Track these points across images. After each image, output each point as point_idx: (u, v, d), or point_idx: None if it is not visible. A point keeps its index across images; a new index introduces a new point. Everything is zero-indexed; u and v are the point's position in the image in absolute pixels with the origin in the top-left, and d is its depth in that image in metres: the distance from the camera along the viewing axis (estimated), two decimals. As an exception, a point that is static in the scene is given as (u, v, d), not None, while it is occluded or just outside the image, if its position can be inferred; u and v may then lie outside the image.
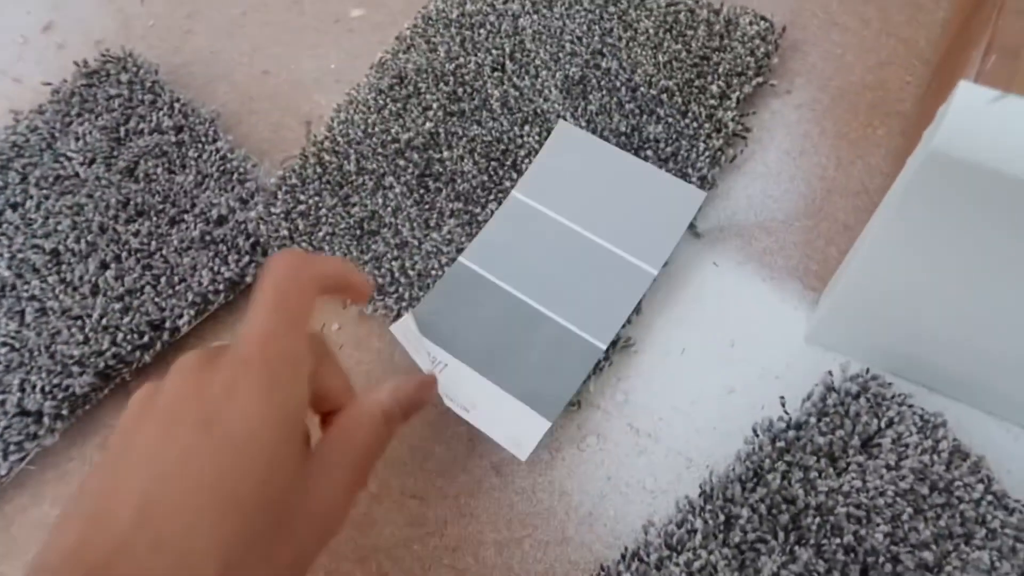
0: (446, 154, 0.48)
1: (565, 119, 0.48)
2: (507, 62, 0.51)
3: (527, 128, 0.48)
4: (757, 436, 0.38)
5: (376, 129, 0.49)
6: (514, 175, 0.47)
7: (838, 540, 0.34)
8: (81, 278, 0.45)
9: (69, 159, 0.50)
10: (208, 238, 0.46)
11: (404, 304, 0.43)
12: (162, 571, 0.23)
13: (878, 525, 0.35)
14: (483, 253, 0.44)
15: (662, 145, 0.46)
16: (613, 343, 0.41)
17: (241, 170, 0.49)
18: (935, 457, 0.36)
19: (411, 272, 0.44)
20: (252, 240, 0.46)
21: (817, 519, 0.35)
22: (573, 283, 0.43)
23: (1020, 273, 0.31)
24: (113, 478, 0.25)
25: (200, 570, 0.23)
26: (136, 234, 0.46)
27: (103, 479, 0.26)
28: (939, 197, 0.30)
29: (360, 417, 0.30)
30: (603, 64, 0.50)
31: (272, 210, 0.46)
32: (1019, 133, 0.29)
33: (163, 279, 0.44)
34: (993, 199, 0.29)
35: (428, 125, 0.49)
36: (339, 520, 0.28)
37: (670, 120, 0.47)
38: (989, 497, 0.35)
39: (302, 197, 0.47)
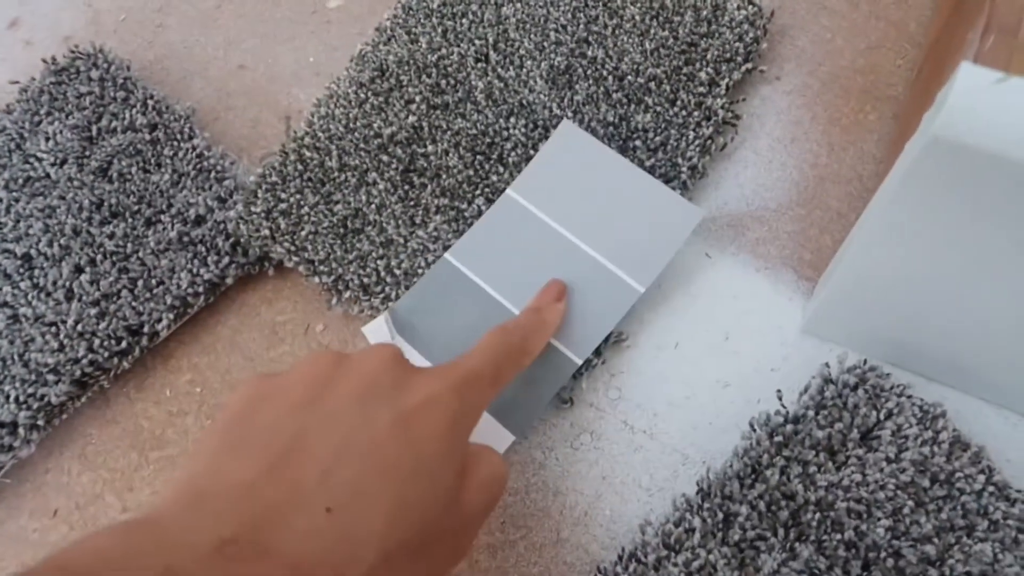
0: (430, 148, 0.46)
1: (567, 116, 0.46)
2: (491, 52, 0.50)
3: (513, 120, 0.47)
4: (754, 431, 0.37)
5: (358, 124, 0.48)
6: (500, 169, 0.45)
7: (839, 536, 0.34)
8: (55, 283, 0.43)
9: (39, 160, 0.48)
10: (186, 239, 0.44)
11: (391, 304, 0.42)
12: (329, 540, 0.23)
13: (879, 519, 0.34)
14: (470, 252, 0.43)
15: (651, 135, 0.45)
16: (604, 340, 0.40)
17: (219, 168, 0.47)
18: (935, 448, 0.35)
19: (397, 271, 0.43)
20: (232, 240, 0.45)
21: (817, 515, 0.34)
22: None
23: (1021, 258, 0.31)
24: (300, 425, 0.26)
25: (361, 552, 0.23)
26: (111, 236, 0.45)
27: (285, 419, 0.26)
28: (939, 183, 0.30)
29: (501, 478, 0.30)
30: (589, 53, 0.49)
31: (252, 209, 0.45)
32: (1023, 116, 0.28)
33: (140, 282, 0.43)
34: (996, 184, 0.28)
35: (411, 119, 0.47)
36: (465, 554, 0.29)
37: (659, 109, 0.46)
38: (991, 488, 0.34)
39: (283, 195, 0.46)
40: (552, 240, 0.42)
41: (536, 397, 0.39)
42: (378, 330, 0.41)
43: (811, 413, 0.37)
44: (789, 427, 0.36)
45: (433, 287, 0.42)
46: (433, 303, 0.41)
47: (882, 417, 0.36)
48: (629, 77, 0.47)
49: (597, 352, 0.40)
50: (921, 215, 0.31)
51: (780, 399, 0.38)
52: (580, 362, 0.39)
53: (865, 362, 0.38)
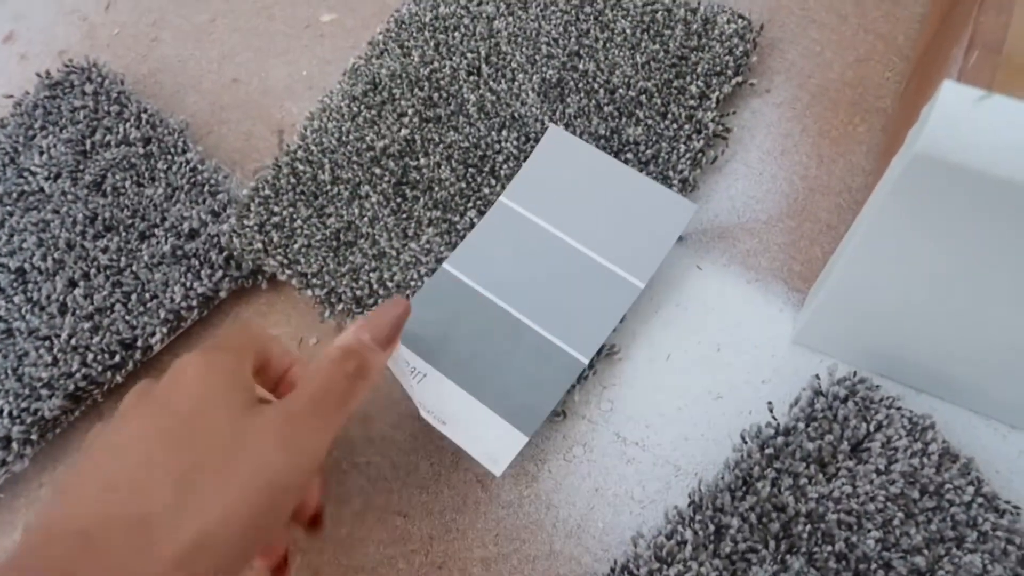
0: (423, 161, 0.47)
1: (555, 123, 0.47)
2: (483, 66, 0.50)
3: (504, 133, 0.47)
4: (745, 443, 0.37)
5: (350, 137, 0.48)
6: (492, 181, 0.46)
7: (829, 547, 0.34)
8: (48, 297, 0.43)
9: (33, 174, 0.48)
10: (180, 253, 0.44)
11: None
12: (116, 506, 0.26)
13: (869, 531, 0.34)
14: (467, 260, 0.43)
15: (642, 147, 0.46)
16: (596, 352, 0.41)
17: (212, 182, 0.47)
18: (925, 460, 0.35)
19: (389, 283, 0.43)
20: (225, 254, 0.45)
21: (808, 527, 0.34)
22: (558, 294, 0.42)
23: (1007, 272, 0.31)
24: (75, 475, 0.28)
25: (154, 494, 0.26)
26: (105, 250, 0.45)
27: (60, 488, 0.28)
28: (925, 199, 0.30)
29: (317, 363, 0.32)
30: (580, 66, 0.49)
31: (245, 222, 0.45)
32: (1005, 133, 0.28)
33: (134, 296, 0.43)
34: (980, 200, 0.29)
35: (404, 132, 0.48)
36: (299, 457, 0.29)
37: (650, 122, 0.46)
38: (980, 499, 0.34)
39: (276, 208, 0.46)
40: (548, 243, 0.43)
41: (545, 397, 0.39)
42: None
43: (801, 425, 0.37)
44: (780, 439, 0.36)
45: (433, 297, 0.42)
46: (434, 312, 0.41)
47: (872, 429, 0.36)
48: (620, 90, 0.48)
49: (590, 364, 0.41)
50: (907, 230, 0.32)
51: (771, 411, 0.38)
52: (586, 362, 0.40)
53: (855, 374, 0.38)
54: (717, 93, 0.47)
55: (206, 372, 0.29)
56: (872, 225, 0.33)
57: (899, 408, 0.37)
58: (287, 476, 0.28)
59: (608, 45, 0.50)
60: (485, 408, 0.39)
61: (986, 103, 0.29)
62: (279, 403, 0.30)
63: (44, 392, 0.40)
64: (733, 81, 0.48)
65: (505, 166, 0.46)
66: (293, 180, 0.47)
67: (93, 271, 0.44)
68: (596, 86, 0.48)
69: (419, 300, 0.42)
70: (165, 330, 0.43)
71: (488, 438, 0.38)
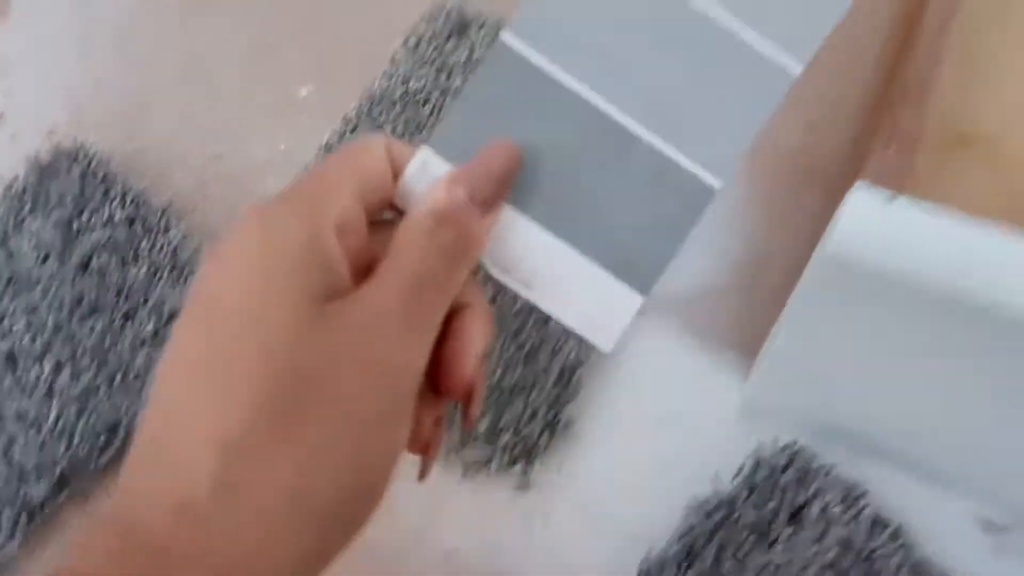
0: (391, 238, 0.49)
1: None
2: (449, 142, 0.52)
3: (468, 209, 0.49)
4: (691, 514, 0.39)
5: (323, 215, 0.50)
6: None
7: (769, 615, 0.36)
8: (36, 379, 0.46)
9: (23, 257, 0.51)
10: (161, 335, 0.47)
11: (433, 134, 0.28)
12: (160, 483, 0.19)
13: (806, 599, 0.36)
14: (541, 32, 0.28)
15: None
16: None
17: (194, 261, 0.50)
18: (856, 527, 0.37)
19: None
20: (204, 333, 0.47)
21: (749, 595, 0.36)
22: (677, 84, 0.28)
23: (918, 361, 0.33)
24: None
25: (197, 468, 0.19)
26: (91, 331, 0.47)
27: None
28: (838, 293, 0.32)
29: (403, 236, 0.23)
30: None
31: (223, 302, 0.48)
32: (910, 235, 0.31)
33: (118, 377, 0.46)
34: (888, 298, 0.31)
35: (373, 209, 0.50)
36: (393, 379, 0.21)
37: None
38: (909, 564, 0.37)
39: (252, 288, 0.48)
40: (663, 8, 0.28)
41: (663, 241, 0.28)
42: (418, 174, 0.26)
43: (744, 494, 0.39)
44: (723, 510, 0.39)
45: (493, 92, 0.27)
46: (496, 117, 0.27)
47: (810, 496, 0.39)
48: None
49: (551, 433, 0.43)
50: (828, 318, 0.34)
51: (713, 481, 0.41)
52: (718, 186, 0.28)
53: (795, 442, 0.40)
54: (669, 166, 0.49)
55: (261, 251, 0.21)
56: (799, 308, 0.36)
57: (836, 476, 0.39)
58: (373, 409, 0.21)
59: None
60: (583, 259, 0.27)
61: (893, 205, 0.31)
62: (360, 298, 0.21)
63: (32, 476, 0.43)
64: (684, 153, 0.50)
65: (469, 242, 0.48)
66: (268, 259, 0.49)
67: (79, 353, 0.46)
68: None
69: (472, 98, 0.27)
70: (147, 410, 0.45)
71: (590, 301, 0.28)
